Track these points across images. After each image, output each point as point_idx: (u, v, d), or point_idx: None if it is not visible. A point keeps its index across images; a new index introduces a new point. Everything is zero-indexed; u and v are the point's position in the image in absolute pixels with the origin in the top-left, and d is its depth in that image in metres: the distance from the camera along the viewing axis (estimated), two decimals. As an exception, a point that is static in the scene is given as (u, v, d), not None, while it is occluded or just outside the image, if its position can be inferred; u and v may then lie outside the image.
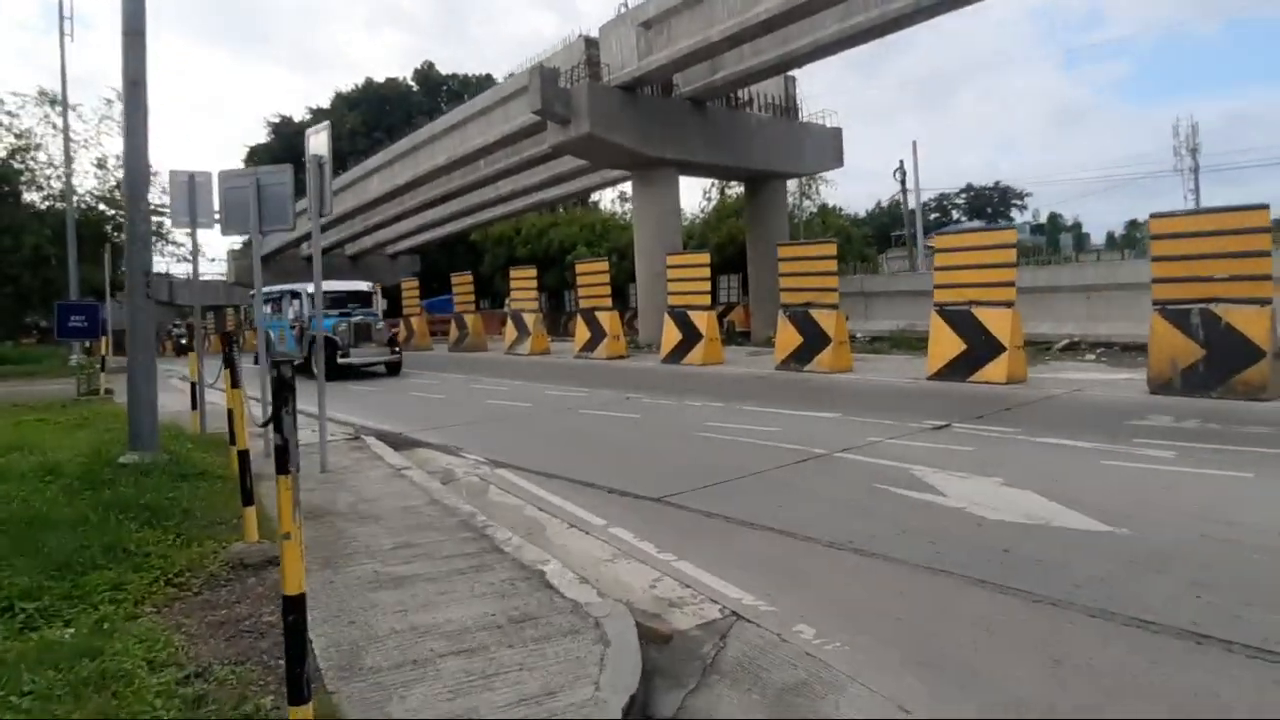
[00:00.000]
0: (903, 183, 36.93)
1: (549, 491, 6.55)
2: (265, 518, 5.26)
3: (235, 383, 5.58)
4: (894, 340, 18.95)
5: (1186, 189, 49.64)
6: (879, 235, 60.05)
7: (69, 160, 25.17)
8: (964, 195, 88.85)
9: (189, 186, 8.62)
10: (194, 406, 9.62)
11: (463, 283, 24.35)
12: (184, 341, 40.19)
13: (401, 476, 6.89)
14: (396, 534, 5.06)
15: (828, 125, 25.46)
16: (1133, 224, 59.03)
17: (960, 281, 12.28)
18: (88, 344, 21.41)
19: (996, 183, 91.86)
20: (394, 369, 17.02)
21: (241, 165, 71.46)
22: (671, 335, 16.80)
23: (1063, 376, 12.33)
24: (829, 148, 25.42)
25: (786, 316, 14.57)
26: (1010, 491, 5.93)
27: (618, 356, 18.41)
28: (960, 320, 12.22)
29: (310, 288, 16.98)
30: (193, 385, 9.68)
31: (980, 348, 11.96)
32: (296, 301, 17.12)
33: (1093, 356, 15.03)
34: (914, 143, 34.71)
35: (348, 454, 8.10)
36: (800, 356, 14.24)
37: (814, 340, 14.10)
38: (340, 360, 15.61)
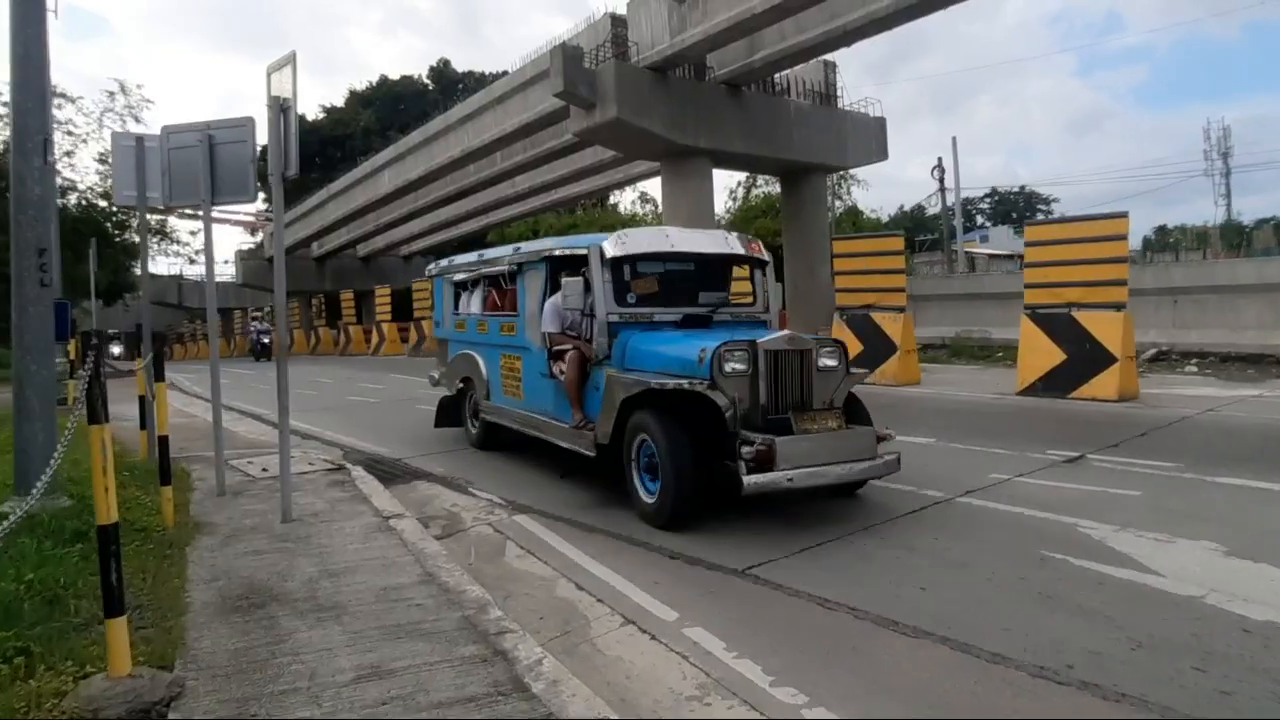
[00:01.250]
0: (941, 181, 35.01)
1: (587, 553, 4.79)
2: (173, 622, 3.53)
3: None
4: (952, 348, 17.11)
5: (1217, 193, 47.69)
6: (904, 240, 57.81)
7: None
8: (988, 200, 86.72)
9: (137, 152, 6.82)
10: (142, 425, 7.87)
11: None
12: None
13: (389, 529, 5.13)
14: (363, 645, 3.29)
15: (871, 115, 23.62)
16: (1162, 230, 56.80)
17: (1059, 280, 10.43)
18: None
19: (1022, 187, 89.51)
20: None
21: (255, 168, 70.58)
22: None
23: (1177, 393, 10.48)
24: (872, 139, 23.54)
25: (844, 321, 12.78)
26: (1246, 566, 4.16)
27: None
28: (1059, 325, 10.38)
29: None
30: (140, 399, 7.94)
31: (1084, 358, 10.11)
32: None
33: (1193, 368, 13.12)
34: (954, 139, 33.02)
35: (324, 491, 6.37)
36: (861, 367, 12.41)
37: (877, 348, 12.29)
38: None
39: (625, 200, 57.86)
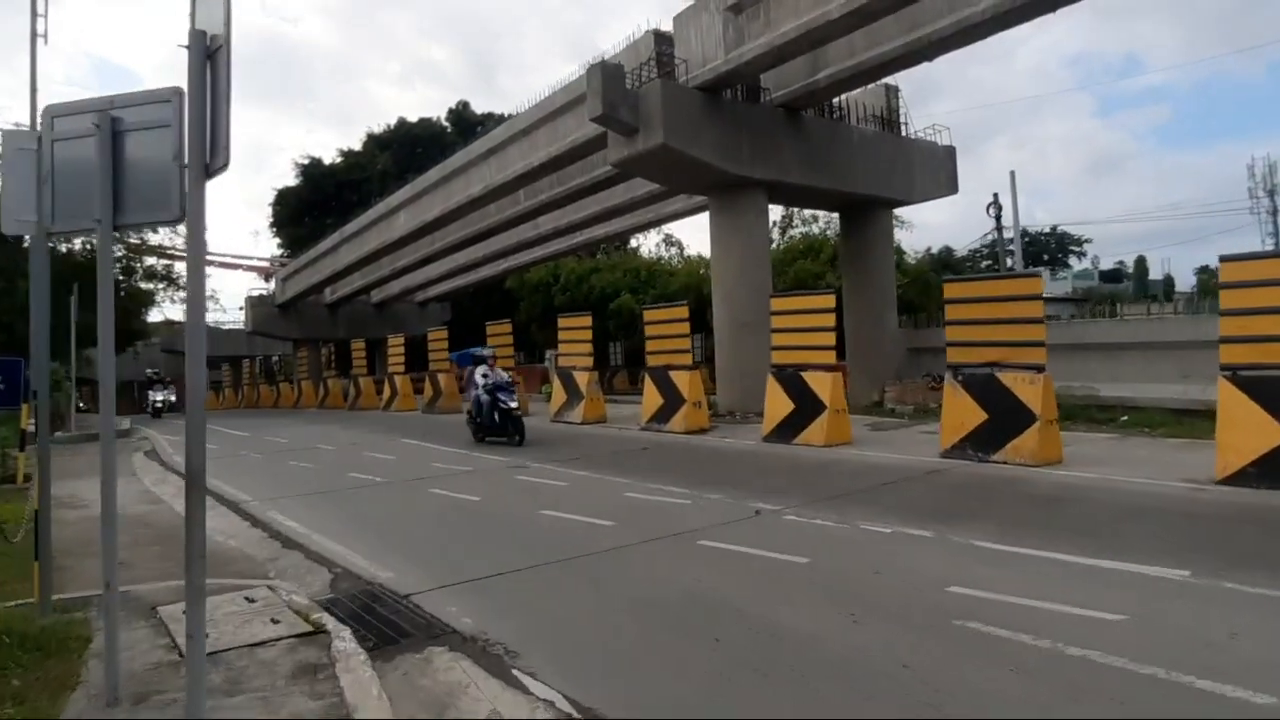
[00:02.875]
0: (998, 218, 32.64)
1: None
2: None
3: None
4: (1071, 409, 14.53)
5: (1264, 231, 45.20)
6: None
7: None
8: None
9: (35, 160, 4.48)
10: (36, 555, 5.44)
11: (500, 332, 20.30)
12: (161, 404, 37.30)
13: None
14: None
15: (939, 144, 21.38)
16: (1204, 270, 54.54)
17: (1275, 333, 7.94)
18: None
19: (1053, 228, 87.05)
20: None
21: (270, 212, 69.49)
22: (779, 403, 12.54)
23: None
24: (941, 170, 21.27)
25: (959, 382, 10.27)
26: None
27: (698, 430, 14.16)
28: (1281, 391, 7.87)
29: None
30: (35, 515, 5.56)
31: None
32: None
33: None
34: (1011, 174, 30.56)
35: (281, 698, 3.87)
36: (984, 439, 9.89)
37: (1007, 416, 9.76)
38: None
39: (649, 243, 55.86)
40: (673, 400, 14.41)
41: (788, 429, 12.33)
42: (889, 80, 20.59)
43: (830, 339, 12.10)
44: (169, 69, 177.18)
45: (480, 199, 24.89)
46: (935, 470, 9.45)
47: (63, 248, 31.45)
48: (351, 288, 41.15)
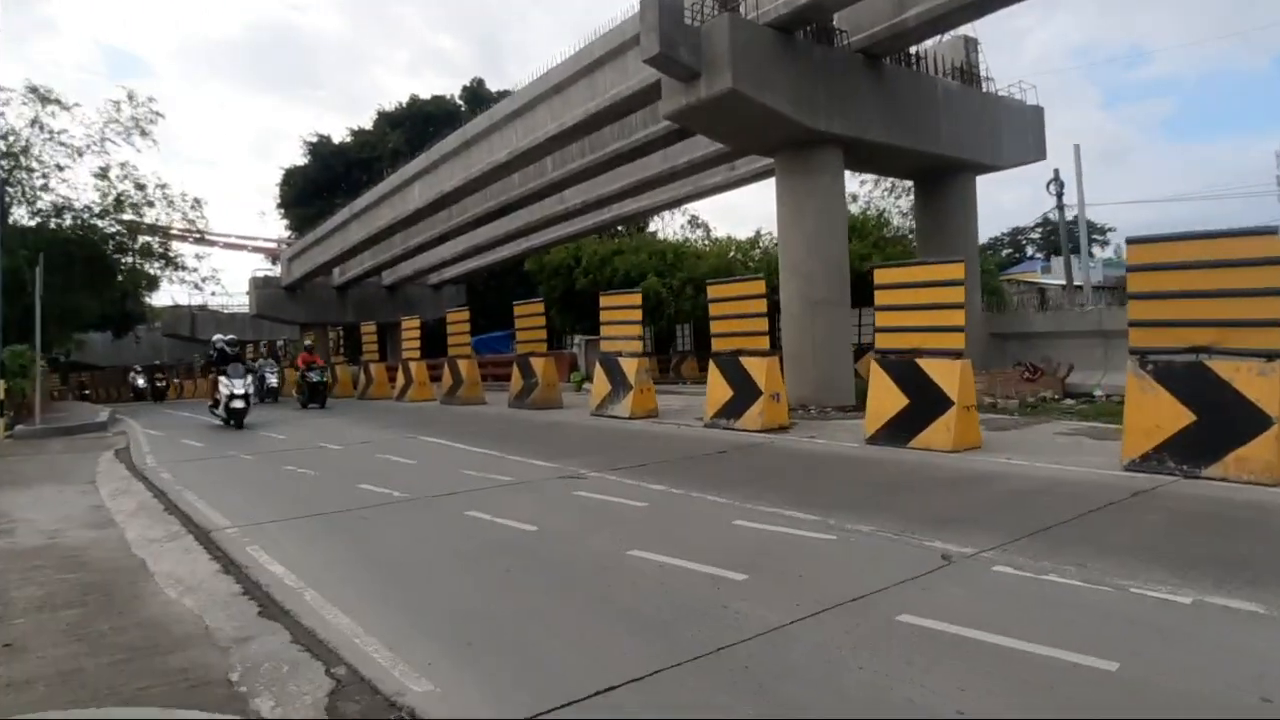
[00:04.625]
0: (1059, 195, 30.08)
1: None
2: None
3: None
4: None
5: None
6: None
7: None
8: (1039, 230, 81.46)
9: None
10: None
11: (530, 314, 17.90)
12: (142, 385, 35.62)
13: None
14: None
15: (1026, 104, 18.87)
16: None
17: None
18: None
19: (1074, 218, 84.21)
20: None
21: (278, 192, 66.91)
22: (887, 397, 10.15)
23: None
24: (1029, 133, 18.77)
25: (1149, 373, 7.88)
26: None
27: (777, 428, 11.81)
28: None
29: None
30: None
31: None
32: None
33: None
34: (1076, 147, 28.02)
35: None
36: (1190, 448, 7.52)
37: (1224, 418, 7.39)
38: None
39: (674, 225, 53.39)
40: (746, 392, 12.04)
41: (900, 429, 9.94)
42: (967, 31, 18.15)
43: (960, 318, 9.69)
44: (181, 56, 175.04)
45: (505, 165, 22.48)
46: (1138, 491, 7.05)
47: (29, 221, 29.33)
48: (362, 268, 38.88)
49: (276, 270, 50.67)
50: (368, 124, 65.46)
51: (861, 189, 38.39)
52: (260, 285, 43.06)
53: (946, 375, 9.60)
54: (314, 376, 21.30)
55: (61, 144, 29.03)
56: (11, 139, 27.66)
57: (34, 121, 27.87)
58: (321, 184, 59.35)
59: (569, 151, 22.86)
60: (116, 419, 19.09)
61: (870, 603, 4.39)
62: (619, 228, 42.89)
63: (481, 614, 4.45)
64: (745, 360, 12.16)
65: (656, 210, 33.48)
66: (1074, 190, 29.83)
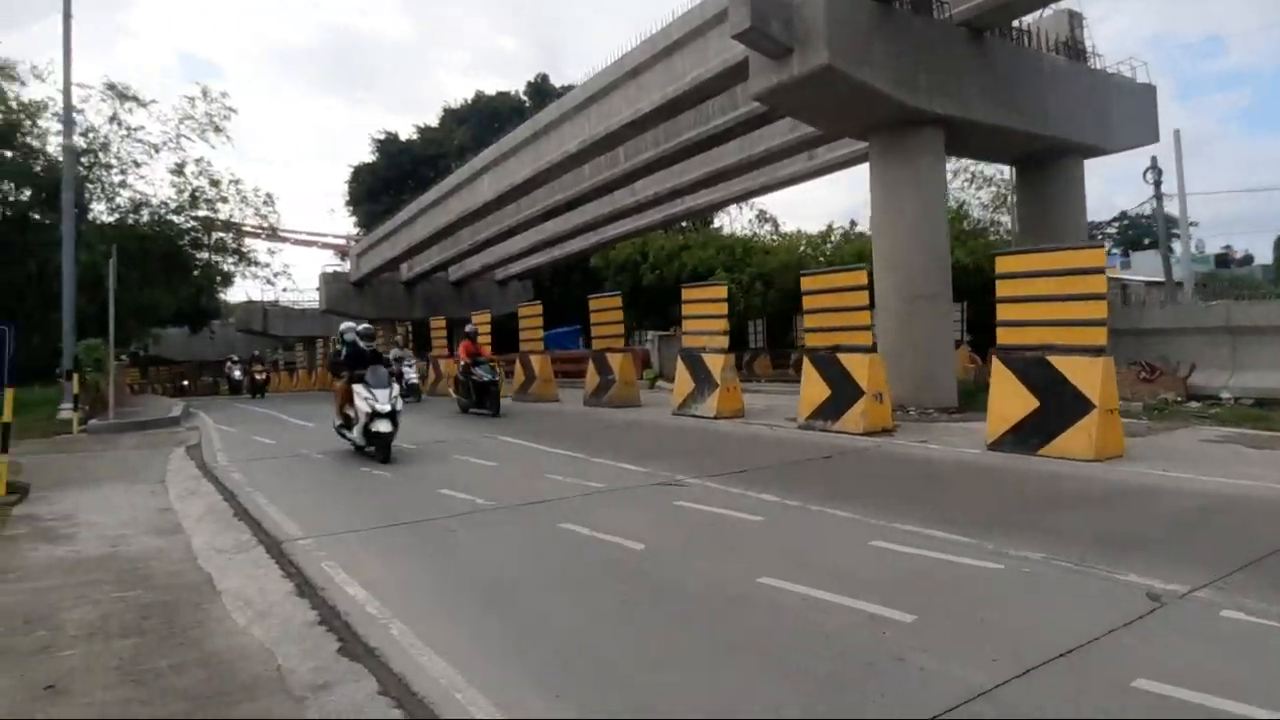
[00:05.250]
0: (1157, 184, 28.25)
1: None
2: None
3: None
4: None
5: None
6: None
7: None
8: (1115, 224, 77.91)
9: None
10: None
11: (607, 308, 17.18)
12: (239, 378, 34.75)
13: None
14: None
15: (1137, 81, 17.47)
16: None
17: None
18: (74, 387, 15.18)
19: (1152, 211, 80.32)
20: None
21: (346, 189, 67.60)
22: (1012, 399, 9.12)
23: None
24: (1141, 114, 17.35)
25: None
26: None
27: (881, 430, 10.85)
28: None
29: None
30: None
31: None
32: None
33: None
34: (1176, 133, 26.09)
35: None
36: None
37: None
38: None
39: (741, 219, 52.30)
40: (845, 391, 11.11)
41: (1029, 434, 8.92)
42: (1074, 6, 16.88)
43: (1102, 310, 8.62)
44: (251, 60, 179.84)
45: (577, 155, 21.80)
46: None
47: (109, 217, 29.72)
48: (429, 264, 38.77)
49: (345, 266, 51.14)
50: (432, 123, 65.85)
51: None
52: (330, 281, 43.34)
53: (1085, 374, 8.55)
54: (482, 374, 15.65)
55: (139, 141, 29.39)
56: (91, 136, 28.05)
57: (112, 118, 28.21)
58: (389, 180, 59.79)
59: (642, 141, 22.10)
60: (190, 413, 18.98)
61: (1087, 659, 3.51)
62: (684, 223, 42.07)
63: (601, 661, 3.69)
64: (844, 357, 11.22)
65: (730, 202, 32.53)
66: (1172, 180, 27.93)
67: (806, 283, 12.10)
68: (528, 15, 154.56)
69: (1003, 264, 9.49)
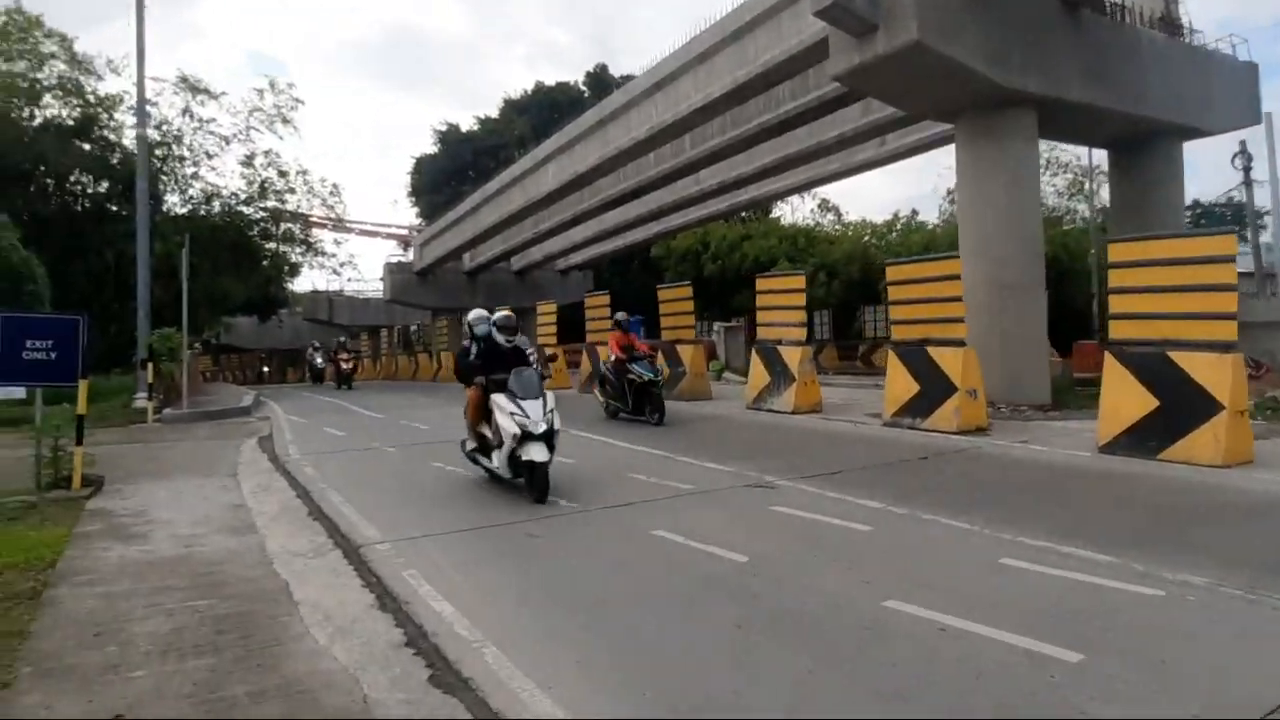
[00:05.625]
0: (1246, 170, 26.68)
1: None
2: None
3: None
4: None
5: None
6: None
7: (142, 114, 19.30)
8: (1189, 213, 74.63)
9: None
10: None
11: (676, 298, 16.72)
12: (320, 365, 34.56)
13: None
14: None
15: (1237, 59, 16.32)
16: None
17: None
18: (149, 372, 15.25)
19: (1229, 198, 76.64)
20: None
21: (408, 180, 68.21)
22: (1127, 399, 8.43)
23: None
24: (1241, 94, 16.23)
25: None
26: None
27: (974, 429, 10.20)
28: None
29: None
30: None
31: None
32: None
33: None
34: (1268, 115, 24.50)
35: None
36: None
37: None
38: None
39: (803, 209, 51.30)
40: (935, 387, 10.48)
41: (1147, 436, 8.22)
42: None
43: (1232, 302, 7.87)
44: (314, 57, 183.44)
45: (646, 141, 21.30)
46: None
47: (181, 209, 30.22)
48: (491, 253, 38.72)
49: (408, 257, 51.58)
50: (491, 114, 66.01)
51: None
52: (394, 271, 43.65)
53: (1213, 372, 7.82)
54: (642, 371, 12.34)
55: (210, 133, 29.86)
56: (164, 129, 28.55)
57: (185, 111, 28.67)
58: (450, 171, 60.16)
59: (709, 128, 21.51)
60: (260, 402, 19.07)
61: None
62: (744, 214, 41.33)
63: (728, 706, 3.24)
64: (934, 351, 10.59)
65: (798, 189, 31.72)
66: (1264, 166, 26.29)
67: (893, 272, 11.48)
68: (580, 8, 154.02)
69: (1118, 252, 8.77)
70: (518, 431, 6.84)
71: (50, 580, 5.13)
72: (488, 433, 7.63)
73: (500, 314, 8.06)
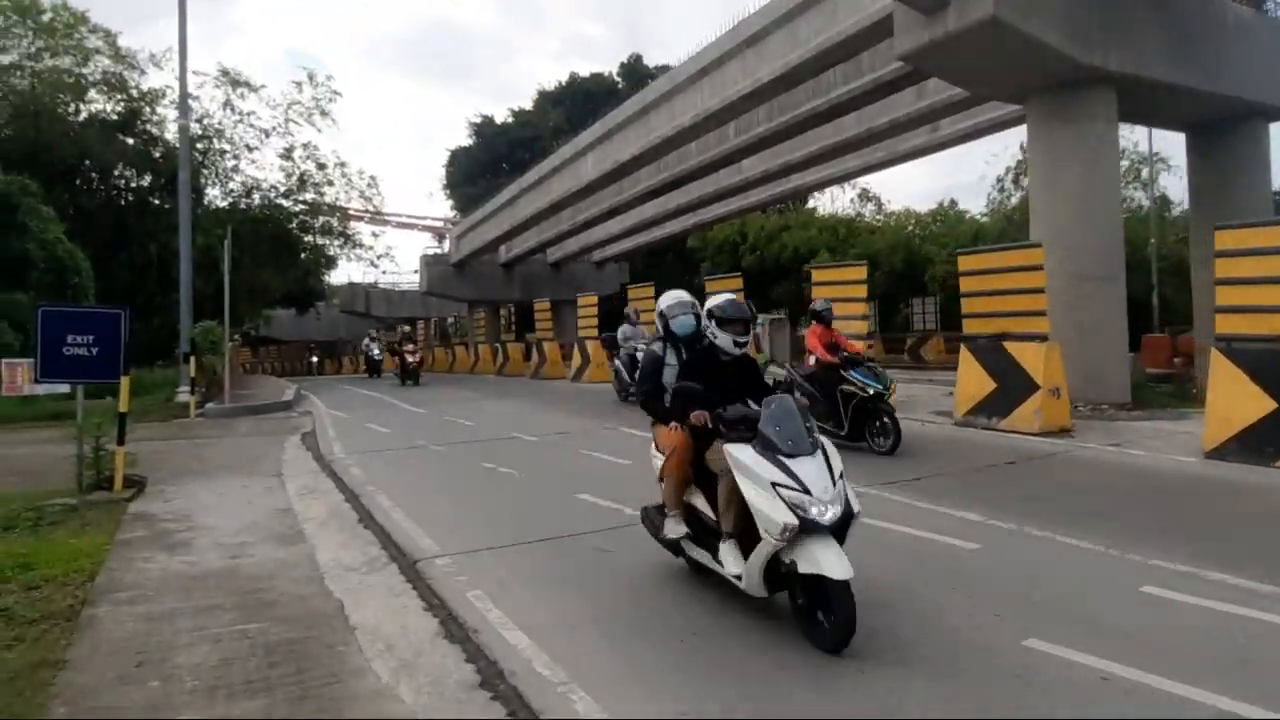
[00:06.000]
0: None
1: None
2: None
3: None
4: None
5: None
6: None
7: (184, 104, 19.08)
8: (1278, 199, 72.11)
9: None
10: None
11: (730, 290, 16.13)
12: (377, 357, 34.15)
13: None
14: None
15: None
16: None
17: None
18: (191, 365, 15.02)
19: None
20: None
21: (443, 173, 68.11)
22: (1239, 400, 7.74)
23: None
24: (1333, 71, 15.30)
25: None
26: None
27: (1058, 430, 9.55)
28: None
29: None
30: None
31: None
32: None
33: None
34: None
35: None
36: None
37: None
38: None
39: (842, 199, 50.30)
40: (1014, 385, 9.84)
41: (1265, 441, 7.52)
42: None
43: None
44: (350, 52, 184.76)
45: (690, 130, 20.71)
46: None
47: (222, 202, 30.21)
48: (527, 245, 38.37)
49: (443, 249, 51.49)
50: (526, 106, 65.70)
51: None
52: (430, 263, 43.48)
53: (1339, 371, 7.12)
54: (867, 382, 8.84)
55: (251, 125, 29.82)
56: (205, 122, 28.52)
57: (225, 104, 28.65)
58: (485, 163, 59.98)
59: (754, 115, 20.86)
60: (302, 395, 18.83)
61: None
62: (781, 205, 40.55)
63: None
64: (1013, 346, 9.95)
65: (844, 178, 30.88)
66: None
67: (966, 262, 10.82)
68: (611, 1, 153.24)
69: (1224, 239, 8.06)
70: (792, 521, 3.68)
71: (89, 596, 4.75)
72: (704, 507, 4.47)
73: (723, 299, 4.63)
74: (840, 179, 30.52)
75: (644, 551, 5.21)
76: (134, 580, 5.09)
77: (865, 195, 49.03)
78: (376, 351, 30.53)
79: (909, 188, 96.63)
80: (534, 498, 7.20)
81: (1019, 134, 22.96)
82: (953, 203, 44.47)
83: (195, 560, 5.49)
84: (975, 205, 60.61)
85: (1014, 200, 34.48)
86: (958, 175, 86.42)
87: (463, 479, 8.26)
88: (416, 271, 49.07)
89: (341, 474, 8.51)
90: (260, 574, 5.17)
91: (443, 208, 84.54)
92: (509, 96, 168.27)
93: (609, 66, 73.78)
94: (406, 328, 36.60)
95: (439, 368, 35.45)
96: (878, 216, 47.11)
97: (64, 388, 8.06)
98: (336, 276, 54.48)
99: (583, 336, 21.79)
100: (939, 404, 12.54)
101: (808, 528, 3.68)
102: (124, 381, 7.66)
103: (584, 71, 76.89)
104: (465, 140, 65.32)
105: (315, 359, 39.56)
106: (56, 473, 8.01)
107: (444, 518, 6.50)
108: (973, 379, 10.44)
